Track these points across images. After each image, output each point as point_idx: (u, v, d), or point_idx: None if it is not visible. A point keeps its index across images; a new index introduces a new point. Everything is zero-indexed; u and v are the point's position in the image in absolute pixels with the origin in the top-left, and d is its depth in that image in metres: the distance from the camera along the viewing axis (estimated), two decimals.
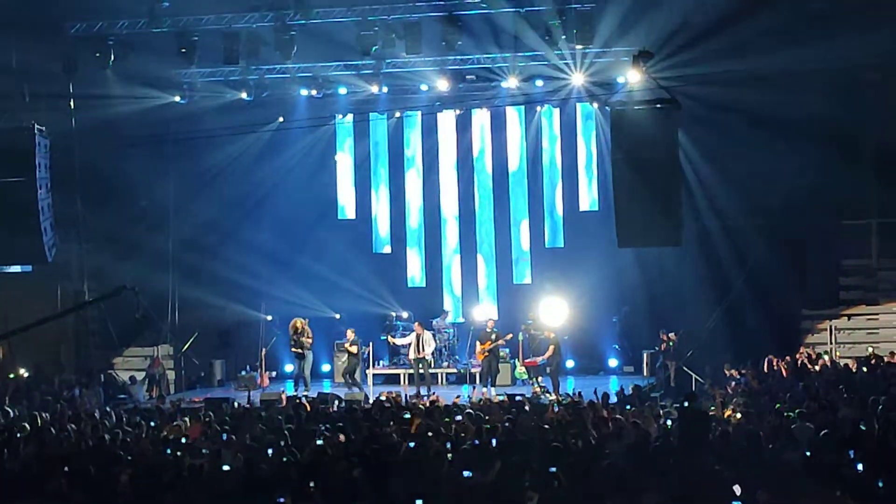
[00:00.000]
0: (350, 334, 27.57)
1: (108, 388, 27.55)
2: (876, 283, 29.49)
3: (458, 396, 24.09)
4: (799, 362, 25.62)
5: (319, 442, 16.12)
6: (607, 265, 28.81)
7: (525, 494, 12.68)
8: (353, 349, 27.22)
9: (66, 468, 14.68)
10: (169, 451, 16.24)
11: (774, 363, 25.27)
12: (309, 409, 20.96)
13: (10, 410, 22.06)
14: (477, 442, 15.98)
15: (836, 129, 26.90)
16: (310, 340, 27.17)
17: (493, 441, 15.91)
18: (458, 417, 18.65)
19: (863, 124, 27.65)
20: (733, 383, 24.09)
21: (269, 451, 15.50)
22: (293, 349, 27.39)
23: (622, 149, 23.17)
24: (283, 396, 24.41)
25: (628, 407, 20.34)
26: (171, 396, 27.08)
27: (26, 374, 27.69)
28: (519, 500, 12.62)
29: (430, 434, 16.52)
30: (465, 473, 13.64)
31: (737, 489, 12.26)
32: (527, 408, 20.26)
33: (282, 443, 16.22)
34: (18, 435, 18.21)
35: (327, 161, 31.90)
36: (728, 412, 19.51)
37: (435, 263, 32.05)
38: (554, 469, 13.42)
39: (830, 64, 25.14)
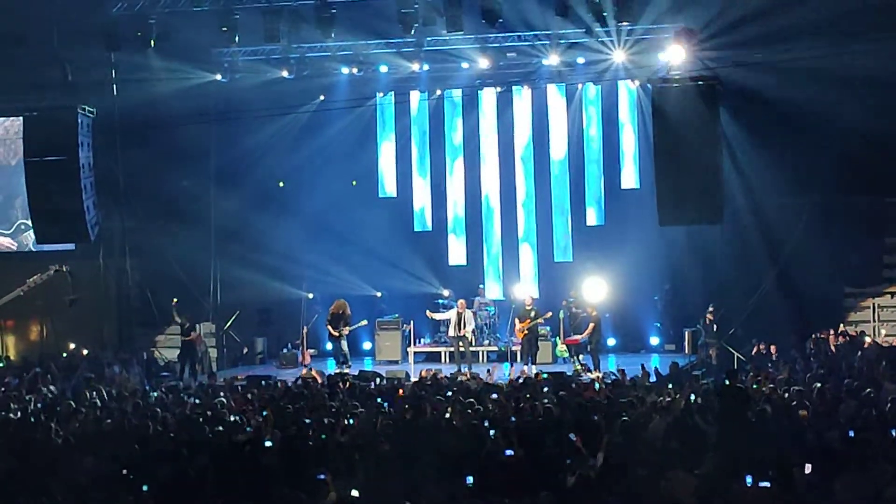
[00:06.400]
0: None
1: (150, 365, 27.76)
2: None
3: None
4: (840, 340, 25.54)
5: (350, 421, 16.18)
6: (648, 243, 28.61)
7: (567, 472, 12.68)
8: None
9: (106, 445, 14.81)
10: (211, 428, 16.34)
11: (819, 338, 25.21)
12: (349, 386, 21.05)
13: (53, 388, 22.25)
14: (514, 419, 16.03)
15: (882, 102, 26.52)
16: (347, 330, 27.20)
17: (534, 419, 15.94)
18: (495, 396, 18.67)
19: None
20: (771, 362, 24.04)
21: (310, 430, 15.58)
22: (329, 327, 27.35)
23: (663, 126, 22.97)
24: (317, 373, 24.42)
25: (670, 385, 20.28)
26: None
27: (85, 352, 27.94)
28: (560, 478, 12.63)
29: (469, 411, 16.55)
30: (507, 452, 13.66)
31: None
32: (569, 385, 20.26)
33: (326, 420, 16.30)
34: (58, 408, 18.40)
35: (368, 139, 31.83)
36: (767, 390, 19.37)
37: (476, 242, 31.91)
38: (593, 447, 13.44)
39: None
